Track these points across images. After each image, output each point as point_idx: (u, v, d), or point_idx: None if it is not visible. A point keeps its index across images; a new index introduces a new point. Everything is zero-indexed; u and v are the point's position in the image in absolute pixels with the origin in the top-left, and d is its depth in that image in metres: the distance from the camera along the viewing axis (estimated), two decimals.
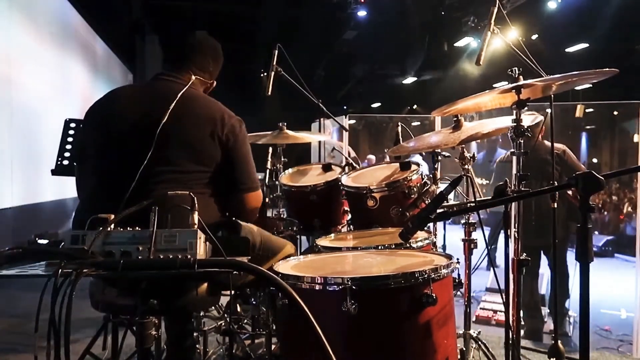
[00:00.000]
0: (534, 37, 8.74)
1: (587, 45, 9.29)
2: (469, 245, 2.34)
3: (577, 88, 7.52)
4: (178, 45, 1.87)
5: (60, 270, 1.00)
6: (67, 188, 6.22)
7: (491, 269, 3.61)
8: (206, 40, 1.89)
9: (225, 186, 1.74)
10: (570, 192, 3.38)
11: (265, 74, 2.77)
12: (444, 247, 2.90)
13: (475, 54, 2.03)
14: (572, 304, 3.72)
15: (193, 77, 1.78)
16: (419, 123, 7.78)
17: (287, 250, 1.93)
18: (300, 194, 2.59)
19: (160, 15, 9.07)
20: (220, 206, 1.72)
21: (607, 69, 1.67)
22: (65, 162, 2.51)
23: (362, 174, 2.56)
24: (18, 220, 5.40)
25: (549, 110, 2.11)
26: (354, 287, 1.29)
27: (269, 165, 2.87)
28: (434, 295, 1.32)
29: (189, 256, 1.11)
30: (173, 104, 1.60)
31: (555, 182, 2.21)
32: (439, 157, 2.49)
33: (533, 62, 1.98)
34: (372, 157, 8.29)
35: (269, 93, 2.71)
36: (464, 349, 2.29)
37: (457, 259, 1.53)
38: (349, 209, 2.58)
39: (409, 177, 2.24)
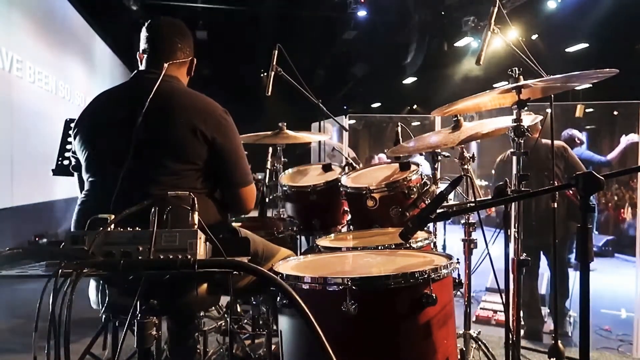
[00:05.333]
0: (534, 37, 8.74)
1: (587, 45, 9.30)
2: (469, 245, 2.34)
3: (577, 88, 7.51)
4: (146, 40, 1.77)
5: (60, 270, 1.00)
6: (67, 188, 6.23)
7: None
8: (166, 23, 1.80)
9: (218, 183, 1.71)
10: (571, 192, 3.39)
11: (265, 74, 2.76)
12: (444, 247, 2.90)
13: (475, 54, 2.02)
14: (572, 304, 3.72)
15: (165, 65, 1.68)
16: (419, 123, 7.76)
17: (284, 253, 1.93)
18: (300, 194, 2.59)
19: (159, 15, 9.07)
20: (219, 205, 1.71)
21: (607, 69, 1.66)
22: (66, 162, 2.51)
23: (362, 174, 2.56)
24: (18, 220, 5.40)
25: (549, 110, 2.11)
26: (354, 287, 1.29)
27: (269, 165, 2.87)
28: (434, 295, 1.32)
29: (189, 256, 1.11)
30: (147, 104, 1.55)
31: (556, 182, 2.22)
32: (439, 157, 2.49)
33: (533, 62, 1.98)
34: (382, 155, 7.99)
35: (269, 93, 2.71)
36: (464, 349, 2.29)
37: (457, 259, 1.53)
38: (348, 209, 2.58)
39: (408, 177, 2.24)
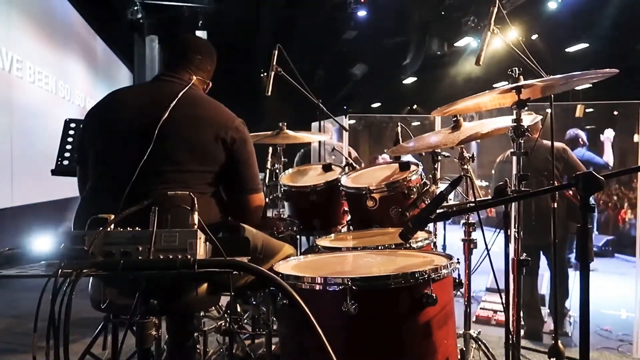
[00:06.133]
0: (534, 37, 8.75)
1: (587, 45, 9.31)
2: (469, 245, 2.34)
3: (577, 88, 7.52)
4: (177, 46, 1.89)
5: (60, 270, 1.00)
6: (67, 188, 6.21)
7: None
8: (202, 41, 1.95)
9: (229, 187, 1.76)
10: (571, 192, 3.40)
11: (265, 74, 2.77)
12: (444, 247, 2.90)
13: (475, 54, 2.02)
14: (572, 304, 3.72)
15: (194, 78, 1.80)
16: (419, 123, 7.77)
17: (286, 251, 1.93)
18: (300, 194, 2.59)
19: (159, 15, 9.10)
20: (221, 205, 1.72)
21: (607, 69, 1.67)
22: (65, 162, 2.52)
23: (362, 174, 2.56)
24: (18, 220, 5.40)
25: (549, 110, 2.11)
26: (354, 287, 1.29)
27: (269, 165, 2.87)
28: (434, 295, 1.32)
29: (189, 256, 1.11)
30: (174, 102, 1.62)
31: (556, 182, 2.21)
32: (439, 157, 2.49)
33: (533, 62, 1.98)
34: (386, 156, 7.83)
35: (269, 93, 2.71)
36: (464, 349, 2.29)
37: (457, 259, 1.53)
38: (348, 209, 2.58)
39: (408, 177, 2.24)
